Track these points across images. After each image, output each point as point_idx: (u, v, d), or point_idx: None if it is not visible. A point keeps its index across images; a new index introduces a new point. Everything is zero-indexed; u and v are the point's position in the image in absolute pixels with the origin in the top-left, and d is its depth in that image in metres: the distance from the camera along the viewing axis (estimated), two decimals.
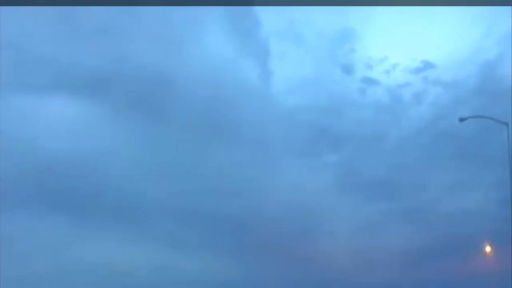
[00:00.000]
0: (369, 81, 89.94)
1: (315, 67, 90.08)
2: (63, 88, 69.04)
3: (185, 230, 68.26)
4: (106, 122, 70.38)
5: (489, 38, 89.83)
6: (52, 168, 59.58)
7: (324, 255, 70.72)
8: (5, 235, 46.77)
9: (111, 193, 67.30)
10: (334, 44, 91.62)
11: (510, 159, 17.44)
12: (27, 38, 54.51)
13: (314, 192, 77.53)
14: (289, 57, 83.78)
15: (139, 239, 64.82)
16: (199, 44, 73.00)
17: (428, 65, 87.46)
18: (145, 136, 74.08)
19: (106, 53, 63.92)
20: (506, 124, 18.86)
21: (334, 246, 72.48)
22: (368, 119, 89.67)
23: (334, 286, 53.23)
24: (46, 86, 65.91)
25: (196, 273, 61.37)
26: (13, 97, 60.13)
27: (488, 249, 24.15)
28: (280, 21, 74.89)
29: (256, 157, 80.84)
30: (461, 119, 19.36)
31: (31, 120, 61.44)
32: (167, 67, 69.95)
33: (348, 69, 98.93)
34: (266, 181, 79.44)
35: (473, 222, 61.94)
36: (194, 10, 68.96)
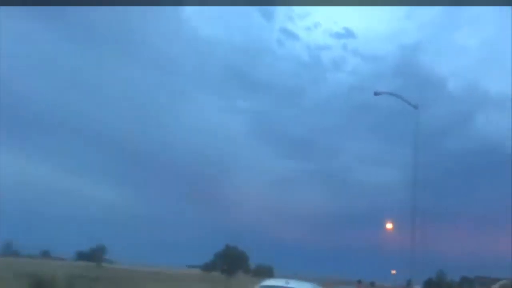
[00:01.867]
0: (288, 34, 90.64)
1: (232, 2, 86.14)
2: None
3: (83, 153, 65.37)
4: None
5: (410, 21, 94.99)
6: None
7: (231, 203, 72.80)
8: None
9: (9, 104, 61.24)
10: None
11: (416, 140, 19.50)
12: None
13: (223, 135, 77.96)
14: None
15: (35, 156, 60.84)
16: None
17: (349, 33, 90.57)
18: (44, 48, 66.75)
19: None
20: (415, 107, 20.51)
21: (242, 196, 74.81)
22: (284, 72, 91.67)
23: (240, 236, 55.42)
24: None
25: (96, 199, 60.01)
26: None
27: (389, 225, 25.57)
28: None
29: (164, 85, 77.38)
30: (376, 93, 20.89)
31: None
32: None
33: (268, 15, 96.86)
34: (173, 115, 77.34)
35: (382, 196, 68.00)
36: None
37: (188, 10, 77.11)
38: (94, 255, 39.67)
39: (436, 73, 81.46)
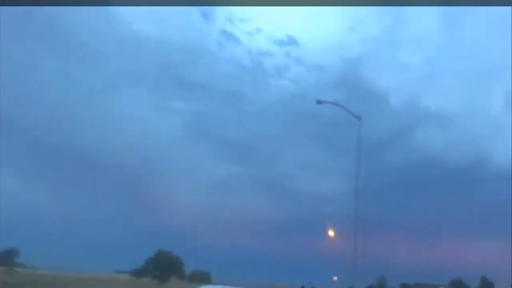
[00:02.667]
0: (229, 36, 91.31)
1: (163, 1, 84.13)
2: None
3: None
4: None
5: (354, 35, 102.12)
6: None
7: (167, 206, 70.34)
8: None
9: None
10: None
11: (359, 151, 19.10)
12: None
13: (157, 135, 75.79)
14: None
15: None
16: None
17: (292, 41, 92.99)
18: None
19: None
20: (358, 117, 19.96)
21: (179, 199, 72.63)
22: (225, 75, 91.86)
23: (176, 242, 53.06)
24: None
25: (13, 198, 55.13)
26: None
27: (331, 233, 25.35)
28: None
29: (94, 82, 73.92)
30: (318, 102, 20.10)
31: None
32: None
33: (207, 16, 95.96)
34: (104, 113, 74.00)
35: (324, 204, 69.15)
36: None
37: (120, 6, 74.48)
38: (4, 259, 35.84)
39: (378, 87, 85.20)
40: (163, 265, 44.05)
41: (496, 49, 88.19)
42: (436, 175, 79.86)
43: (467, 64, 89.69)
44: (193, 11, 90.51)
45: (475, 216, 76.44)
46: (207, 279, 50.36)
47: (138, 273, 43.91)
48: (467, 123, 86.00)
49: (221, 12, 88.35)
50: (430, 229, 76.79)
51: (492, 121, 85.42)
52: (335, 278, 44.97)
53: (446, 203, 77.30)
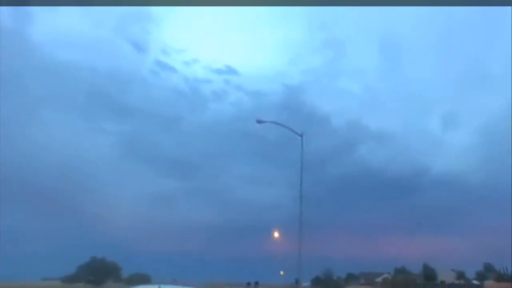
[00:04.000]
0: (164, 66, 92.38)
1: (95, 29, 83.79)
2: None
3: None
4: None
5: (294, 67, 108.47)
6: None
7: (103, 218, 69.17)
8: None
9: None
10: (124, 16, 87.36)
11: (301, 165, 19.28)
12: None
13: (90, 154, 75.20)
14: (60, 10, 76.62)
15: None
16: None
17: (231, 70, 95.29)
18: None
19: None
20: (301, 135, 20.00)
21: (116, 211, 71.68)
22: (160, 99, 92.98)
23: (114, 249, 51.81)
24: None
25: None
26: None
27: (276, 234, 26.99)
28: None
29: (21, 108, 71.55)
30: (258, 121, 19.97)
31: None
32: None
33: (140, 48, 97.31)
34: (32, 133, 71.51)
35: (270, 211, 71.53)
36: None
37: (40, 36, 75.07)
38: None
39: (320, 111, 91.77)
40: (97, 270, 42.65)
41: (433, 79, 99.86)
42: (378, 183, 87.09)
43: (405, 92, 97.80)
44: (124, 44, 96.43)
45: (415, 217, 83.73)
46: (146, 280, 49.24)
47: (69, 279, 41.98)
48: (407, 140, 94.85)
49: (155, 44, 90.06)
50: (374, 228, 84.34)
51: (430, 138, 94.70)
52: (281, 272, 47.47)
53: (388, 206, 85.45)
